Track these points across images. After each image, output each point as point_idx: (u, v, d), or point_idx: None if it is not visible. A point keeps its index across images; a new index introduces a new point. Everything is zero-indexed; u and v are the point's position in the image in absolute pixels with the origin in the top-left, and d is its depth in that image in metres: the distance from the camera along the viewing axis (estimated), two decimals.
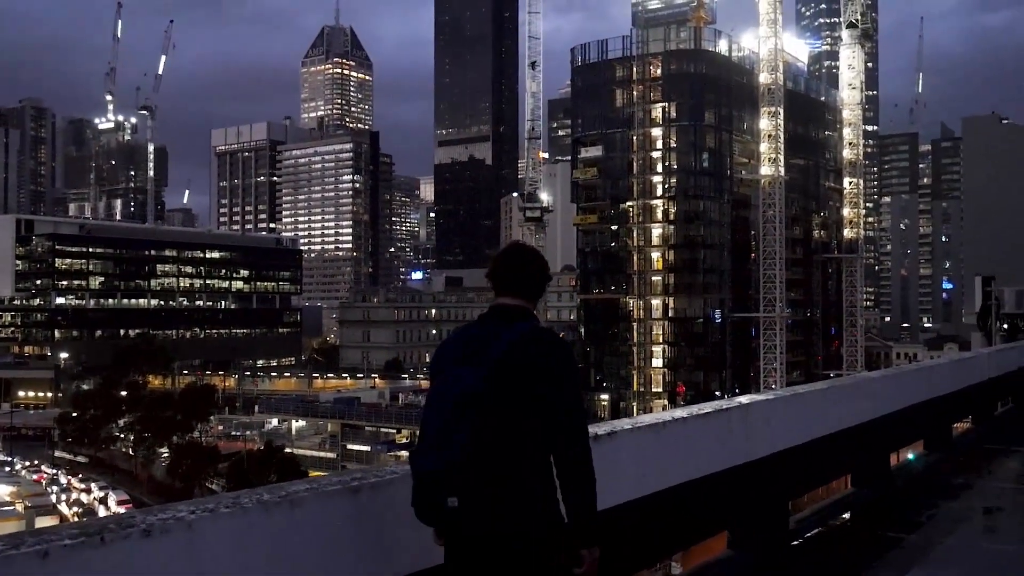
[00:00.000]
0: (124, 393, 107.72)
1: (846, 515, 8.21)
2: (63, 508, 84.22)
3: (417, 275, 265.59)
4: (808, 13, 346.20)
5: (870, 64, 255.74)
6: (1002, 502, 9.33)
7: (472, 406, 3.24)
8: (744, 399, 6.35)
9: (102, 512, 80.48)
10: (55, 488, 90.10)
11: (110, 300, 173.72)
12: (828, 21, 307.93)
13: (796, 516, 7.43)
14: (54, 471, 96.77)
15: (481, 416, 3.23)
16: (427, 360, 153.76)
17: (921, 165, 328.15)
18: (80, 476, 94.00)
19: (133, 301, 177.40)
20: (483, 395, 3.25)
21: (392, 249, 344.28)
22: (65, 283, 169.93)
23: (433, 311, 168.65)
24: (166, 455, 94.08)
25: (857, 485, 8.93)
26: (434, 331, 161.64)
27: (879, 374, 9.90)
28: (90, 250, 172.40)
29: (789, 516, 7.05)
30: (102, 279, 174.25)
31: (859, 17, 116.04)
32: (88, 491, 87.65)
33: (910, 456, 11.27)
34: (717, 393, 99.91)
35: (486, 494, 3.22)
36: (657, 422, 5.07)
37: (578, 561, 3.33)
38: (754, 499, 6.25)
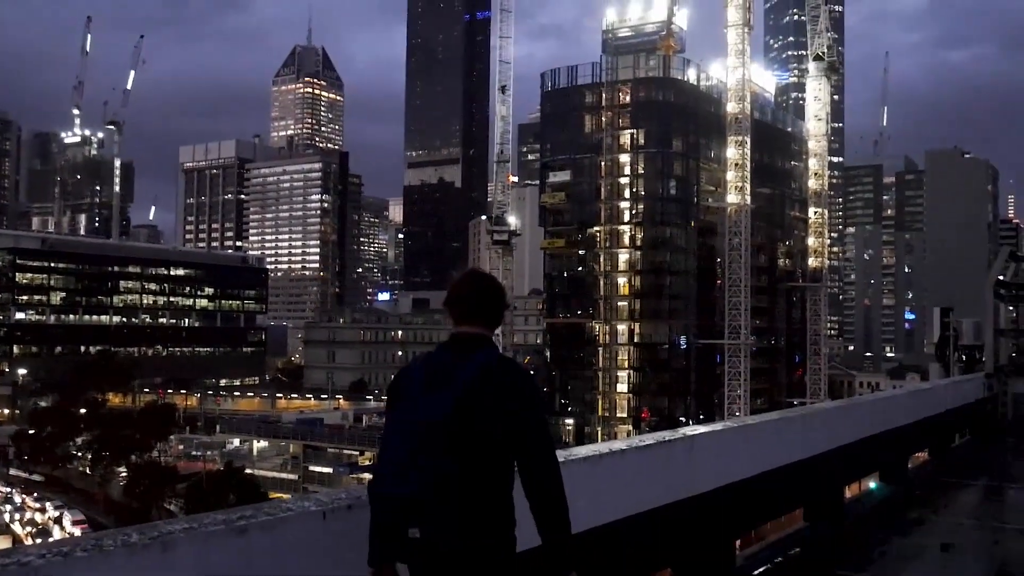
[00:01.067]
0: (82, 411, 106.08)
1: (796, 550, 7.97)
2: (16, 528, 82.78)
3: (384, 296, 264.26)
4: (776, 45, 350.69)
5: (836, 97, 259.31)
6: (957, 538, 9.08)
7: (441, 433, 3.21)
8: (689, 430, 6.08)
9: (56, 532, 79.12)
10: (9, 507, 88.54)
11: (71, 316, 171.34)
12: (796, 54, 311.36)
13: (744, 552, 7.20)
14: (8, 490, 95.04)
15: (450, 443, 3.20)
16: None
17: (885, 197, 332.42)
18: (35, 495, 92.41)
19: (95, 317, 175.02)
20: (451, 421, 3.22)
21: (360, 270, 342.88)
22: (25, 298, 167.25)
23: (399, 332, 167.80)
24: (124, 474, 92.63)
25: (809, 519, 8.62)
26: (400, 352, 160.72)
27: (833, 405, 9.58)
28: (52, 265, 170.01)
29: (736, 553, 6.81)
30: (63, 294, 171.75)
31: (825, 50, 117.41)
32: (43, 510, 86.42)
33: (872, 485, 11.12)
34: (682, 419, 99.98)
35: (453, 524, 3.19)
36: (592, 455, 4.83)
37: None
38: (699, 535, 6.00)
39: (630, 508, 5.02)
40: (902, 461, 11.57)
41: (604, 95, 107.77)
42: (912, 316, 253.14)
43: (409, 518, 3.19)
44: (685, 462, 5.70)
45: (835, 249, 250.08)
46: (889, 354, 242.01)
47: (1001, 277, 21.94)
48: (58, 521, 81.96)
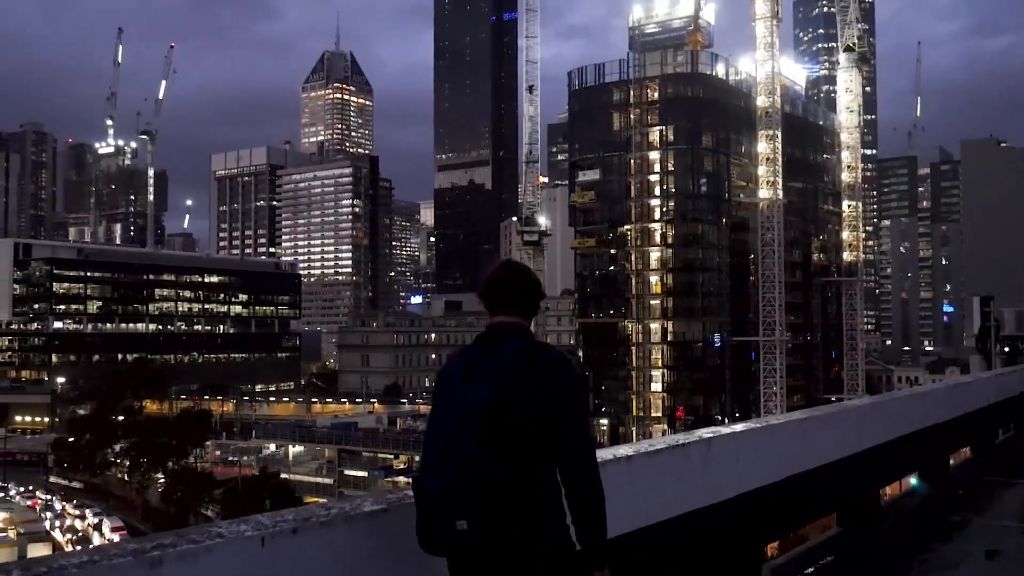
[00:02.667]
0: (120, 418, 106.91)
1: (830, 558, 7.46)
2: (56, 535, 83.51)
3: (416, 299, 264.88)
4: (806, 38, 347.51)
5: (868, 88, 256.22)
6: (1003, 543, 8.45)
7: (479, 421, 3.16)
8: (706, 432, 5.58)
9: (96, 539, 79.77)
10: (49, 514, 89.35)
11: (108, 324, 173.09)
12: (826, 46, 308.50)
13: (773, 562, 6.70)
14: (49, 497, 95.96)
15: (489, 431, 3.15)
16: (427, 385, 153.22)
17: (920, 188, 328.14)
18: (75, 502, 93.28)
19: (131, 325, 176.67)
20: (489, 410, 3.17)
21: (392, 273, 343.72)
22: (63, 307, 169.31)
23: (432, 335, 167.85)
24: (162, 481, 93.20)
25: (843, 524, 8.06)
26: (433, 355, 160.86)
27: (866, 402, 8.90)
28: (88, 274, 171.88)
29: (763, 563, 6.33)
30: (100, 303, 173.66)
31: (856, 41, 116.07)
32: (83, 517, 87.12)
33: (913, 482, 10.55)
34: (718, 417, 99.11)
35: (497, 516, 3.11)
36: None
37: None
38: (720, 545, 5.54)
39: (638, 521, 4.58)
40: (943, 460, 10.97)
41: (632, 92, 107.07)
42: (950, 309, 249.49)
43: (453, 511, 3.12)
44: (701, 468, 5.26)
45: (870, 242, 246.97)
46: (928, 348, 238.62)
47: None
48: (97, 528, 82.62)
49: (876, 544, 7.92)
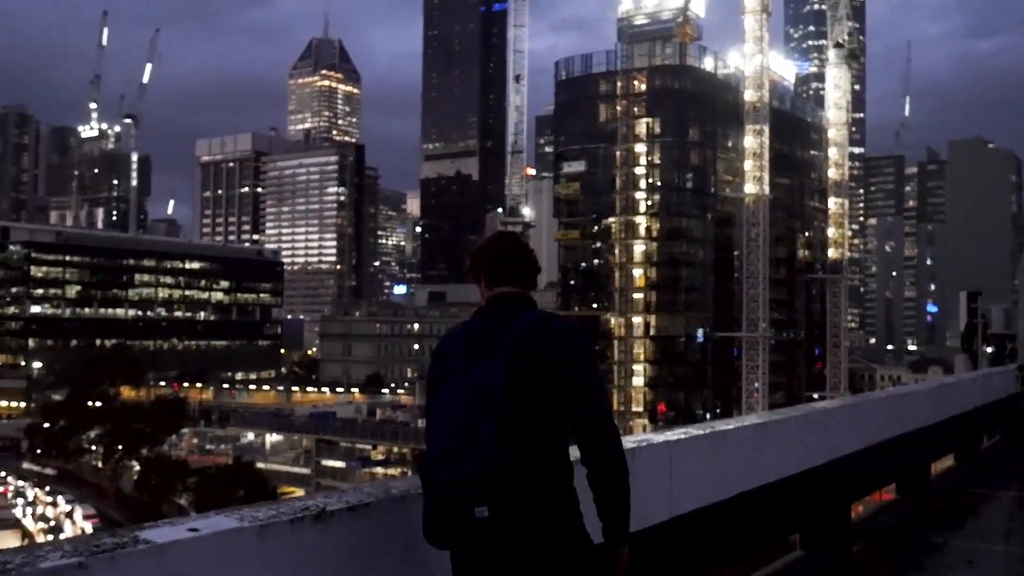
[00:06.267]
0: (97, 404, 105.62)
1: None
2: (28, 522, 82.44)
3: (400, 289, 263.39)
4: (796, 35, 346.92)
5: (858, 87, 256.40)
6: (987, 568, 7.46)
7: (494, 402, 2.96)
8: (629, 441, 4.53)
9: (68, 527, 78.72)
10: (21, 501, 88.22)
11: (86, 309, 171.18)
12: (816, 44, 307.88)
13: None
14: (21, 483, 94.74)
15: (505, 412, 2.95)
16: (408, 375, 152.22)
17: (907, 188, 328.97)
18: (47, 489, 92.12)
19: (110, 311, 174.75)
20: (503, 389, 2.97)
21: (377, 263, 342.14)
22: (40, 291, 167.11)
23: (416, 325, 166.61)
24: (136, 469, 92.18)
25: (807, 547, 6.95)
26: (416, 346, 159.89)
27: (836, 404, 7.67)
28: (67, 258, 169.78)
29: None
30: (78, 288, 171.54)
31: (846, 38, 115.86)
32: (54, 504, 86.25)
33: (887, 499, 9.53)
34: (699, 413, 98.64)
35: (517, 501, 2.95)
36: None
37: (615, 562, 3.14)
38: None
39: None
40: (923, 470, 9.95)
41: (619, 83, 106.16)
42: (934, 308, 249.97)
43: (472, 499, 2.91)
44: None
45: (856, 241, 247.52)
46: (911, 347, 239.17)
47: None
48: (70, 515, 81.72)
49: (845, 570, 6.89)
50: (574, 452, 3.14)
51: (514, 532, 2.95)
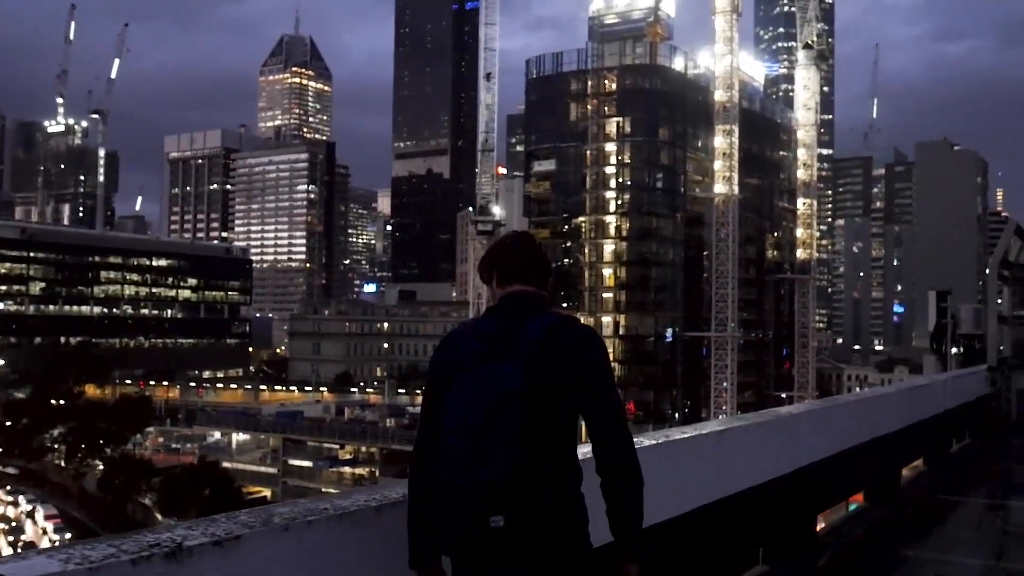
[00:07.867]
0: (61, 402, 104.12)
1: None
2: None
3: (370, 288, 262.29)
4: (767, 37, 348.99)
5: (827, 88, 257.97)
6: None
7: (514, 406, 2.87)
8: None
9: (29, 527, 77.55)
10: None
11: (51, 307, 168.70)
12: (786, 45, 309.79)
13: None
14: None
15: (526, 416, 2.86)
16: (378, 374, 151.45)
17: (875, 189, 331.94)
18: (8, 488, 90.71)
19: (75, 308, 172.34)
20: (525, 391, 2.88)
21: (347, 261, 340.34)
22: (4, 288, 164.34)
23: (385, 324, 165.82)
24: (100, 468, 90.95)
25: (769, 562, 6.54)
26: (385, 345, 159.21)
27: (803, 409, 7.23)
28: (31, 255, 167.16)
29: None
30: (43, 284, 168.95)
31: (815, 39, 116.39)
32: (15, 504, 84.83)
33: (853, 507, 9.22)
34: (668, 412, 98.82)
35: (534, 508, 2.86)
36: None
37: None
38: None
39: None
40: (893, 475, 9.66)
41: (590, 83, 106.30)
42: (901, 309, 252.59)
43: (489, 507, 2.82)
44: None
45: (824, 241, 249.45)
46: (878, 347, 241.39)
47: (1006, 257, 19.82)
48: (31, 515, 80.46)
49: None
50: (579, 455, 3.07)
51: (522, 535, 2.85)
